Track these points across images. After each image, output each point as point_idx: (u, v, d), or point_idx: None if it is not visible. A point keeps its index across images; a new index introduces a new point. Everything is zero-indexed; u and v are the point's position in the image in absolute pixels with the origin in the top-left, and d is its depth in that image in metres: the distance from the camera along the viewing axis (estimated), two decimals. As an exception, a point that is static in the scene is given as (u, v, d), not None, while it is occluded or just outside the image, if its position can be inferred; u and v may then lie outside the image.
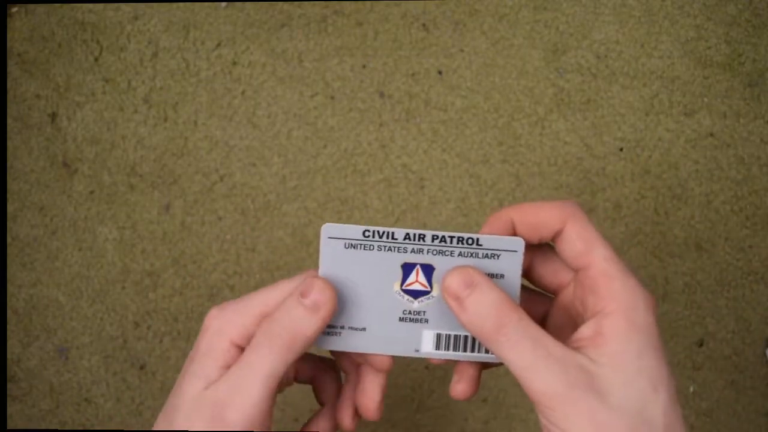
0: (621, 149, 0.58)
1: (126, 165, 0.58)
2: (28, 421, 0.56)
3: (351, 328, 0.29)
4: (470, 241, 0.29)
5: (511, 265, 0.29)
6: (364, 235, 0.29)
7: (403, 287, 0.29)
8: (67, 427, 0.56)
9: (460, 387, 0.31)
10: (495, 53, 0.59)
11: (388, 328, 0.29)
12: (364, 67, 0.59)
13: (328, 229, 0.29)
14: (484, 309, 0.26)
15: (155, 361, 0.56)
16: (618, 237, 0.58)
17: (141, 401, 0.56)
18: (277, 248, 0.57)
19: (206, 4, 0.59)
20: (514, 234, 0.29)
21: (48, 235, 0.57)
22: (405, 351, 0.29)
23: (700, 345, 0.57)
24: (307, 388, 0.57)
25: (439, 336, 0.29)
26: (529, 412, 0.56)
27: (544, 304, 0.32)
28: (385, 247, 0.29)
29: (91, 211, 0.57)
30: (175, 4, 0.59)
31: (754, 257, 0.58)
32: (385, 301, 0.29)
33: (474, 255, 0.29)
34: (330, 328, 0.29)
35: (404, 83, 0.59)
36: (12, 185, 0.58)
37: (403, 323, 0.29)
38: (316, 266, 0.29)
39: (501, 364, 0.29)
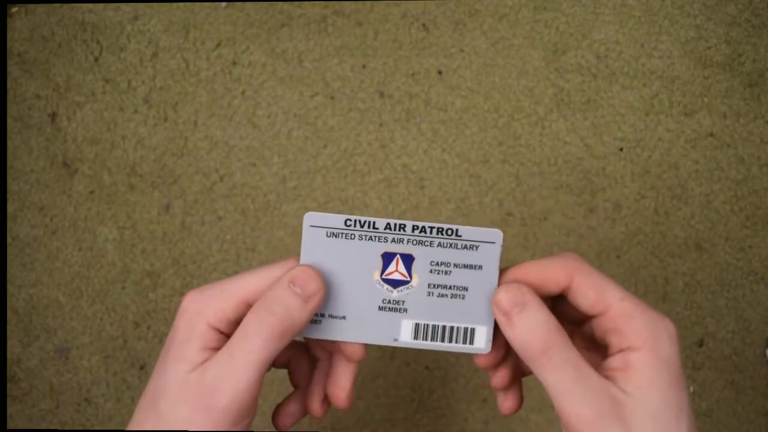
0: (621, 149, 0.58)
1: (126, 165, 0.58)
2: (28, 421, 0.56)
3: (331, 316, 0.30)
4: (450, 232, 0.29)
5: (490, 257, 0.29)
6: (345, 224, 0.29)
7: (383, 276, 0.29)
8: (67, 427, 0.56)
9: (507, 404, 0.32)
10: (495, 53, 0.59)
11: (368, 316, 0.30)
12: (364, 67, 0.59)
13: (310, 218, 0.29)
14: (531, 329, 0.27)
15: (155, 361, 0.56)
16: (618, 237, 0.58)
17: (141, 401, 0.56)
18: (277, 248, 0.57)
19: (206, 4, 0.59)
20: None
21: (48, 235, 0.57)
22: (383, 340, 0.30)
23: (700, 345, 0.57)
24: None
25: (417, 326, 0.30)
26: (530, 412, 0.56)
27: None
28: (366, 236, 0.29)
29: (91, 211, 0.57)
30: (175, 4, 0.59)
31: (754, 257, 0.58)
32: (365, 290, 0.30)
33: (453, 246, 0.29)
34: None
35: (404, 83, 0.59)
36: (12, 185, 0.58)
37: (382, 312, 0.30)
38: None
39: (490, 353, 0.30)
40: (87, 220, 0.57)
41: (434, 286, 0.30)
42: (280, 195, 0.58)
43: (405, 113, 0.58)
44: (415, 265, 0.29)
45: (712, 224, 0.58)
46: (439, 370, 0.56)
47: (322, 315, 0.30)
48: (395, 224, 0.29)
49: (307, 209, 0.57)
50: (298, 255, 0.30)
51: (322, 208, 0.57)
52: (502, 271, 0.29)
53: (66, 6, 0.59)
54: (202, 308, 0.28)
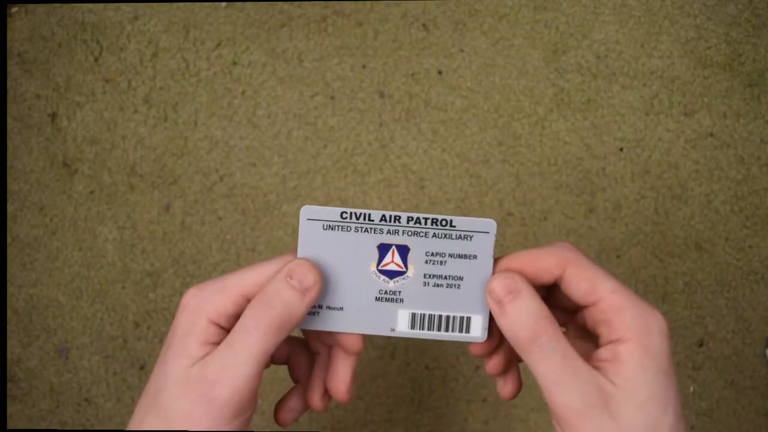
0: (621, 149, 0.58)
1: (126, 165, 0.58)
2: (28, 421, 0.56)
3: (329, 307, 0.30)
4: (444, 223, 0.30)
5: (484, 246, 0.30)
6: (341, 217, 0.30)
7: (379, 267, 0.30)
8: (67, 427, 0.56)
9: (507, 389, 0.33)
10: (495, 53, 0.59)
11: (365, 307, 0.30)
12: (364, 67, 0.59)
13: (306, 211, 0.30)
14: (522, 317, 0.27)
15: (155, 361, 0.56)
16: (618, 237, 0.58)
17: (141, 401, 0.56)
18: (277, 248, 0.57)
19: (206, 4, 0.59)
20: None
21: (48, 235, 0.57)
22: (381, 330, 0.30)
23: (700, 345, 0.57)
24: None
25: (414, 315, 0.30)
26: (530, 412, 0.56)
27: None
28: (361, 228, 0.30)
29: (91, 211, 0.57)
30: (175, 4, 0.59)
31: (754, 257, 0.58)
32: (362, 281, 0.30)
33: (448, 236, 0.30)
34: None
35: (404, 83, 0.59)
36: (12, 185, 0.58)
37: (379, 303, 0.30)
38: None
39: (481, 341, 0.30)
40: (87, 220, 0.57)
41: (430, 276, 0.30)
42: (280, 195, 0.58)
43: (405, 113, 0.58)
44: (410, 256, 0.30)
45: (712, 224, 0.58)
46: (439, 369, 0.56)
47: (320, 307, 0.30)
48: (390, 216, 0.30)
49: (307, 209, 0.57)
50: (296, 250, 0.30)
51: (322, 208, 0.57)
52: (496, 260, 0.30)
53: (66, 6, 0.59)
54: (202, 304, 0.28)
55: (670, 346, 0.27)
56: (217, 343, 0.28)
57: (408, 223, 0.30)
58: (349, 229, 0.30)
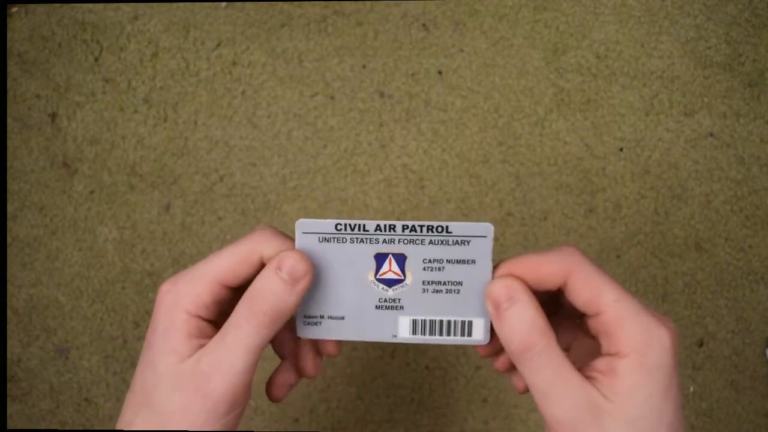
0: (621, 149, 0.58)
1: (126, 165, 0.58)
2: (28, 421, 0.56)
3: (330, 317, 0.30)
4: (440, 229, 0.30)
5: (482, 251, 0.30)
6: (336, 229, 0.30)
7: (378, 277, 0.30)
8: (67, 427, 0.56)
9: (522, 383, 0.32)
10: (495, 53, 0.59)
11: (366, 316, 0.30)
12: (364, 67, 0.59)
13: (302, 225, 0.30)
14: (517, 325, 0.27)
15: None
16: (618, 237, 0.58)
17: (141, 401, 0.56)
18: (277, 248, 0.57)
19: (206, 4, 0.59)
20: None
21: (48, 235, 0.57)
22: (383, 337, 0.30)
23: (700, 345, 0.57)
24: (306, 390, 0.57)
25: (414, 321, 0.30)
26: (529, 412, 0.56)
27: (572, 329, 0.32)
28: (357, 239, 0.30)
29: (91, 211, 0.57)
30: (175, 4, 0.59)
31: (754, 257, 0.58)
32: (361, 290, 0.30)
33: (445, 242, 0.30)
34: (310, 318, 0.30)
35: (404, 83, 0.59)
36: (12, 185, 0.58)
37: (379, 311, 0.30)
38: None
39: (486, 343, 0.30)
40: (87, 220, 0.57)
41: (428, 282, 0.30)
42: (280, 195, 0.58)
43: (405, 113, 0.58)
44: (408, 264, 0.30)
45: (712, 224, 0.58)
46: (439, 369, 0.56)
47: (321, 316, 0.30)
48: (385, 225, 0.30)
49: (307, 209, 0.57)
50: (264, 226, 0.30)
51: (322, 208, 0.57)
52: (499, 263, 0.30)
53: (66, 6, 0.59)
54: (177, 298, 0.28)
55: (674, 362, 0.26)
56: (200, 336, 0.28)
57: (403, 231, 0.30)
58: (344, 240, 0.30)
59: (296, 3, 0.59)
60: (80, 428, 0.56)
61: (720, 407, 0.57)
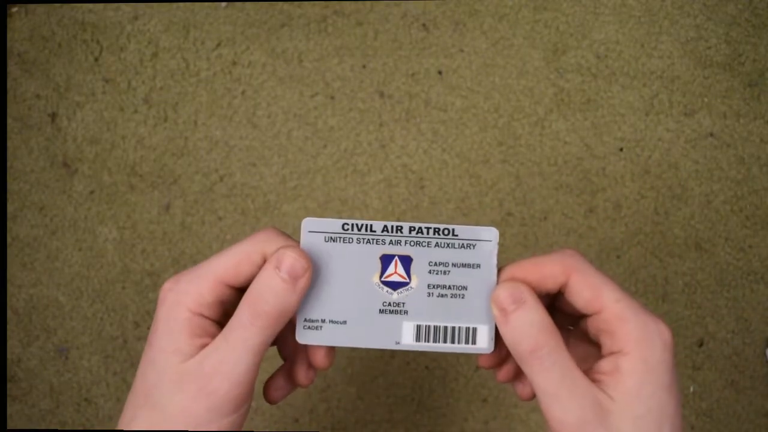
0: (621, 149, 0.58)
1: (126, 165, 0.58)
2: (28, 421, 0.56)
3: (332, 321, 0.30)
4: (446, 232, 0.29)
5: (487, 255, 0.29)
6: (343, 228, 0.29)
7: (382, 279, 0.30)
8: (67, 427, 0.56)
9: (526, 391, 0.32)
10: (495, 53, 0.59)
11: (369, 320, 0.30)
12: (364, 67, 0.59)
13: (308, 224, 0.30)
14: (525, 327, 0.27)
15: (155, 361, 0.56)
16: (618, 237, 0.58)
17: (141, 401, 0.56)
18: (277, 248, 0.57)
19: (206, 4, 0.59)
20: None
21: (48, 235, 0.57)
22: (386, 343, 0.30)
23: (700, 345, 0.57)
24: (306, 390, 0.57)
25: (419, 327, 0.30)
26: (530, 412, 0.56)
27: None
28: (363, 239, 0.29)
29: (91, 211, 0.57)
30: (175, 4, 0.59)
31: (754, 257, 0.58)
32: (365, 293, 0.30)
33: (451, 245, 0.29)
34: (311, 322, 0.30)
35: (404, 83, 0.59)
36: (12, 185, 0.58)
37: (383, 315, 0.30)
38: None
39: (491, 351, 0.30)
40: (87, 220, 0.57)
41: (434, 286, 0.30)
42: (280, 195, 0.58)
43: (405, 113, 0.58)
44: (413, 267, 0.30)
45: (712, 224, 0.58)
46: (439, 370, 0.56)
47: (323, 320, 0.30)
48: (392, 226, 0.29)
49: (307, 209, 0.57)
50: (268, 226, 0.30)
51: (322, 208, 0.57)
52: (500, 269, 0.30)
53: (66, 6, 0.59)
54: (179, 297, 0.28)
55: (673, 359, 0.27)
56: (203, 335, 0.28)
57: (410, 233, 0.29)
58: (351, 240, 0.30)
59: (296, 3, 0.59)
60: (80, 428, 0.56)
61: (720, 407, 0.57)
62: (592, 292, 0.28)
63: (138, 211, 0.57)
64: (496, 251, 0.29)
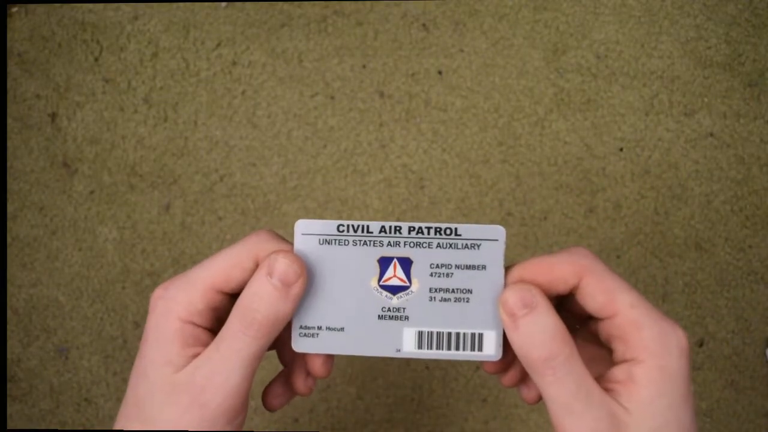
0: (621, 149, 0.58)
1: (126, 165, 0.58)
2: (28, 421, 0.56)
3: (329, 328, 0.28)
4: (448, 231, 0.28)
5: (493, 255, 0.27)
6: (338, 230, 0.28)
7: (381, 283, 0.28)
8: (67, 427, 0.56)
9: (531, 395, 0.30)
10: (495, 53, 0.59)
11: (367, 327, 0.28)
12: (364, 67, 0.59)
13: (301, 226, 0.28)
14: (537, 334, 0.25)
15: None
16: (618, 237, 0.58)
17: (141, 401, 0.56)
18: (277, 248, 0.57)
19: (206, 4, 0.59)
20: None
21: (48, 235, 0.57)
22: (386, 351, 0.28)
23: (700, 345, 0.57)
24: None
25: (420, 334, 0.28)
26: (530, 412, 0.56)
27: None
28: (360, 241, 0.28)
29: (91, 211, 0.57)
30: (175, 4, 0.59)
31: (754, 257, 0.58)
32: (363, 298, 0.28)
33: (453, 246, 0.28)
34: (307, 329, 0.28)
35: (404, 83, 0.59)
36: (12, 185, 0.58)
37: (382, 321, 0.28)
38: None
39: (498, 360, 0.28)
40: (87, 220, 0.57)
41: (436, 290, 0.28)
42: (280, 195, 0.58)
43: (405, 113, 0.58)
44: (414, 269, 0.28)
45: (712, 224, 0.58)
46: (439, 370, 0.56)
47: (319, 327, 0.28)
48: (390, 227, 0.28)
49: (307, 209, 0.57)
50: (260, 229, 0.29)
51: (322, 208, 0.57)
52: (507, 269, 0.28)
53: (66, 6, 0.59)
54: (170, 304, 0.27)
55: (689, 367, 0.25)
56: (195, 344, 0.27)
57: (410, 233, 0.28)
58: (347, 242, 0.28)
59: (296, 3, 0.59)
60: (80, 428, 0.56)
61: (720, 407, 0.57)
62: (606, 296, 0.26)
63: (138, 211, 0.57)
64: (503, 251, 0.27)
